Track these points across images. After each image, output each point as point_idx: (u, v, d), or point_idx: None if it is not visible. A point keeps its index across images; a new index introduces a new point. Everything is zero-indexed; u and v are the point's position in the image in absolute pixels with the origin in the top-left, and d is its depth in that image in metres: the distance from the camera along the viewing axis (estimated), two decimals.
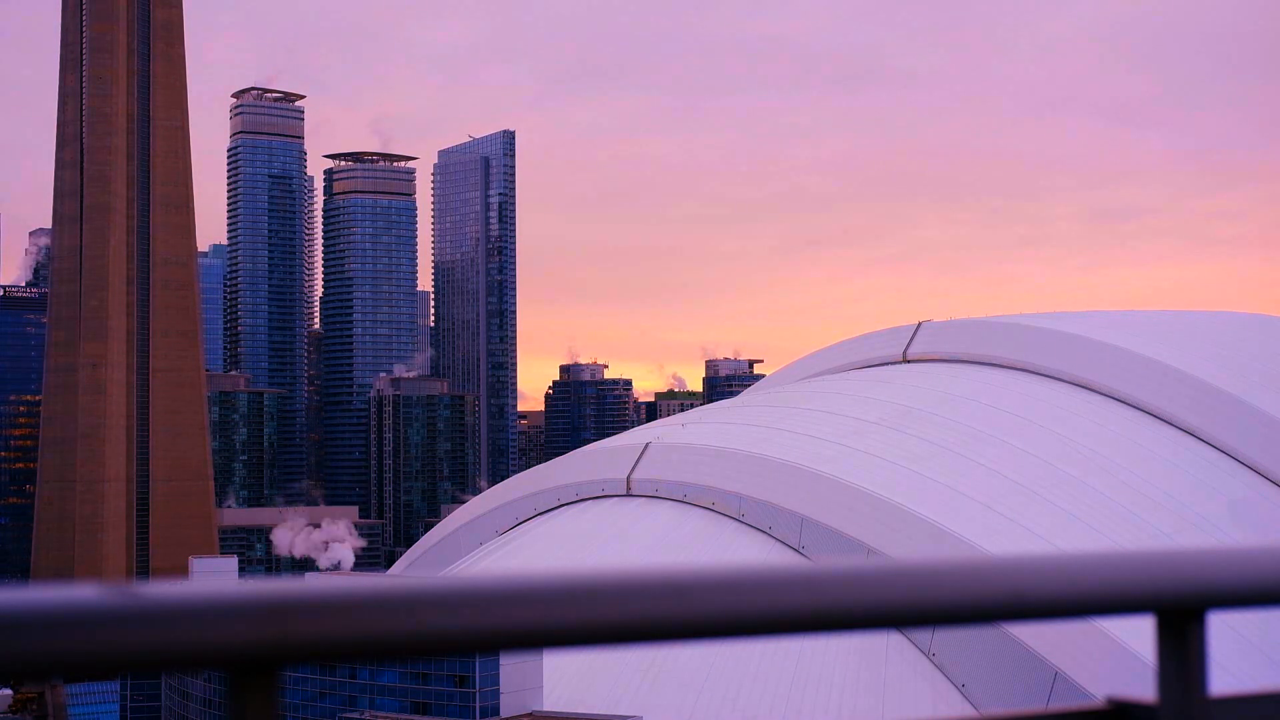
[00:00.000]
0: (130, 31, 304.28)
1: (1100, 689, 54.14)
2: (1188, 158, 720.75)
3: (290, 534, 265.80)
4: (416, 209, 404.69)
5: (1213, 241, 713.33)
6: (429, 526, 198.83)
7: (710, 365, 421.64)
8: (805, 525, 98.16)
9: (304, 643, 3.16)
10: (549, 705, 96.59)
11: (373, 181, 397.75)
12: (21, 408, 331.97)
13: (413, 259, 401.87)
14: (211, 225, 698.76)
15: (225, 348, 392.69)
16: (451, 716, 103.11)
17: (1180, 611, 4.09)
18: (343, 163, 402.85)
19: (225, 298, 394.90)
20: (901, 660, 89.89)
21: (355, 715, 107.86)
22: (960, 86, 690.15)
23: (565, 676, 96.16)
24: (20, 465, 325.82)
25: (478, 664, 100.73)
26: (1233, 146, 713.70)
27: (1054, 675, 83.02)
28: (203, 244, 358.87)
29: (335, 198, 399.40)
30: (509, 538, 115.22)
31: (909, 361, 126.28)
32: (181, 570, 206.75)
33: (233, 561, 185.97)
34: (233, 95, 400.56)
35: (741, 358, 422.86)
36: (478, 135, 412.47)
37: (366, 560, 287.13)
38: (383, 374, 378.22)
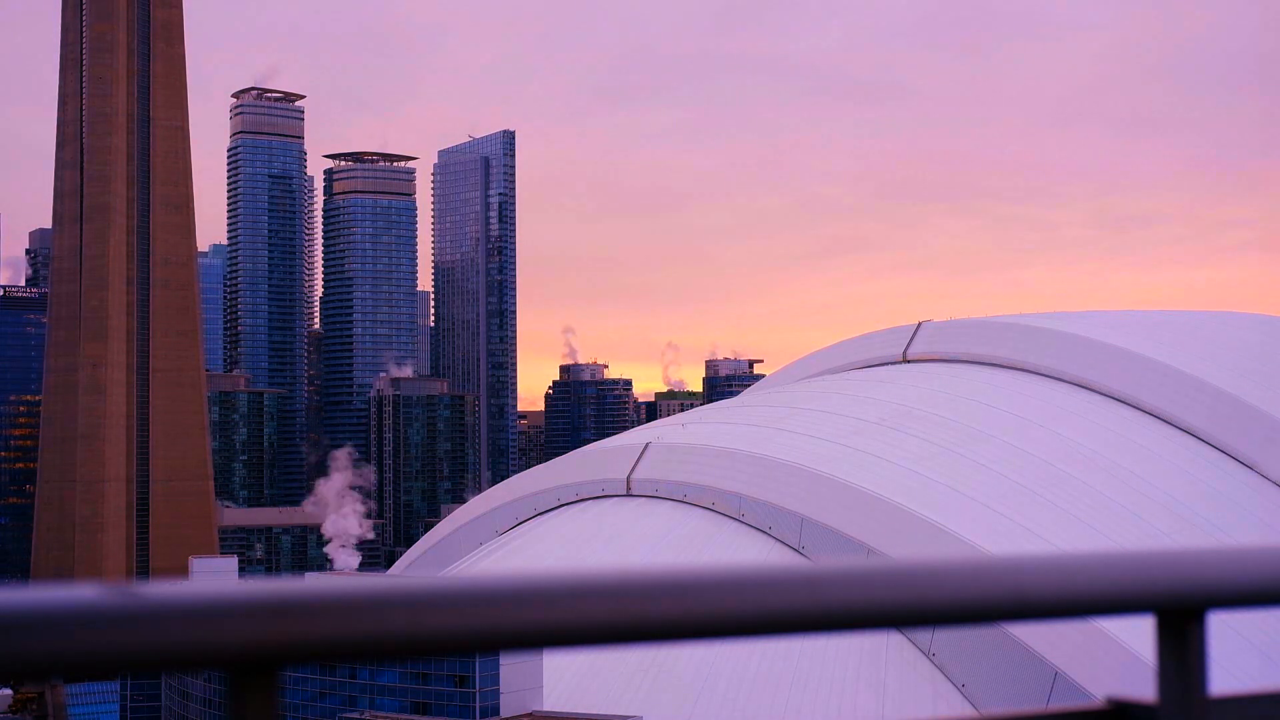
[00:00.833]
0: (130, 31, 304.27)
1: (1100, 689, 54.16)
2: (1199, 166, 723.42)
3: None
4: (416, 209, 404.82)
5: (1222, 248, 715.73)
6: (429, 526, 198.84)
7: (710, 365, 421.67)
8: (805, 525, 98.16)
9: (304, 643, 3.16)
10: (549, 705, 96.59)
11: (373, 181, 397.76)
12: (21, 408, 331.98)
13: (413, 259, 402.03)
14: (211, 225, 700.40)
15: (225, 348, 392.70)
16: (451, 716, 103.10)
17: (1180, 611, 4.09)
18: (343, 163, 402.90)
19: (225, 298, 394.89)
20: (901, 660, 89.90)
21: (355, 715, 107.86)
22: (973, 100, 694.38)
23: (565, 676, 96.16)
24: (20, 465, 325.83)
25: (478, 664, 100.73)
26: (1243, 155, 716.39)
27: (1054, 675, 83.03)
28: (203, 244, 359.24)
29: (335, 198, 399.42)
30: (509, 538, 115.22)
31: (909, 361, 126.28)
32: (181, 570, 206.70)
33: (233, 561, 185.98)
34: (233, 95, 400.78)
35: (741, 358, 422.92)
36: (478, 135, 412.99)
37: (367, 560, 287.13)
38: (383, 374, 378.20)
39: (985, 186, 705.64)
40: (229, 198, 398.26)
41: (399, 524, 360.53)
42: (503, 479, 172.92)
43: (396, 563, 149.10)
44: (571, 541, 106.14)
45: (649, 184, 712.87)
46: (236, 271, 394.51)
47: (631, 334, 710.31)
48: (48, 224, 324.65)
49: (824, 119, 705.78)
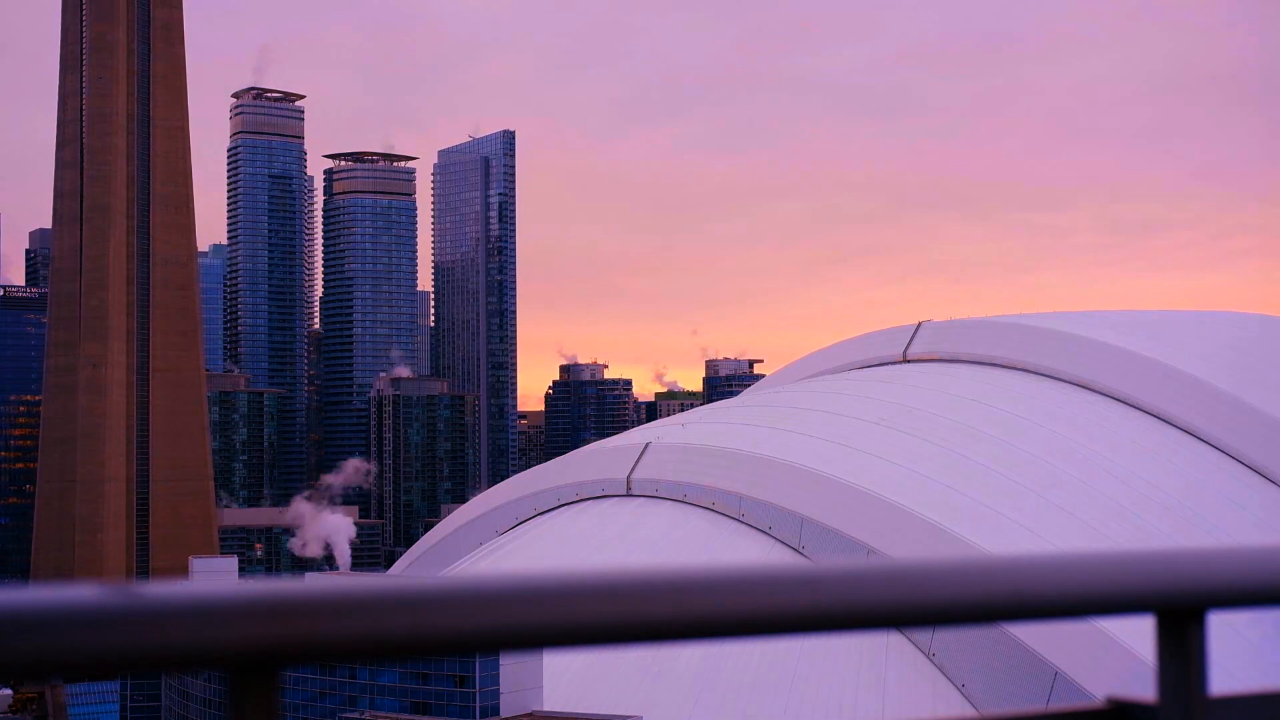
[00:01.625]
0: (130, 31, 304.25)
1: (1100, 689, 54.17)
2: (1206, 174, 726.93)
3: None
4: (416, 209, 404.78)
5: (1229, 253, 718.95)
6: (429, 526, 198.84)
7: (710, 365, 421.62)
8: (805, 525, 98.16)
9: (304, 643, 3.16)
10: (549, 705, 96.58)
11: (373, 181, 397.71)
12: (21, 408, 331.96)
13: (413, 259, 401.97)
14: (211, 225, 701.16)
15: (225, 348, 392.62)
16: (451, 716, 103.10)
17: (1180, 611, 4.09)
18: (343, 163, 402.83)
19: (225, 298, 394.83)
20: (901, 660, 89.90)
21: (355, 715, 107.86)
22: (986, 113, 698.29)
23: (565, 676, 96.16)
24: (20, 465, 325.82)
25: (478, 664, 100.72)
26: (1249, 162, 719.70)
27: (1054, 675, 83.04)
28: (203, 244, 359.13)
29: (335, 198, 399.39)
30: (509, 538, 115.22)
31: (909, 361, 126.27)
32: (181, 570, 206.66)
33: (233, 561, 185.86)
34: (233, 95, 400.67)
35: (741, 358, 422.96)
36: (478, 135, 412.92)
37: (367, 560, 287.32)
38: (383, 374, 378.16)
39: (995, 194, 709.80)
40: (229, 198, 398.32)
41: (399, 524, 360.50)
42: (503, 479, 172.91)
43: (396, 563, 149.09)
44: (571, 541, 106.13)
45: (662, 190, 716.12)
46: (236, 271, 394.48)
47: (632, 334, 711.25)
48: (48, 224, 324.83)
49: (839, 132, 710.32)
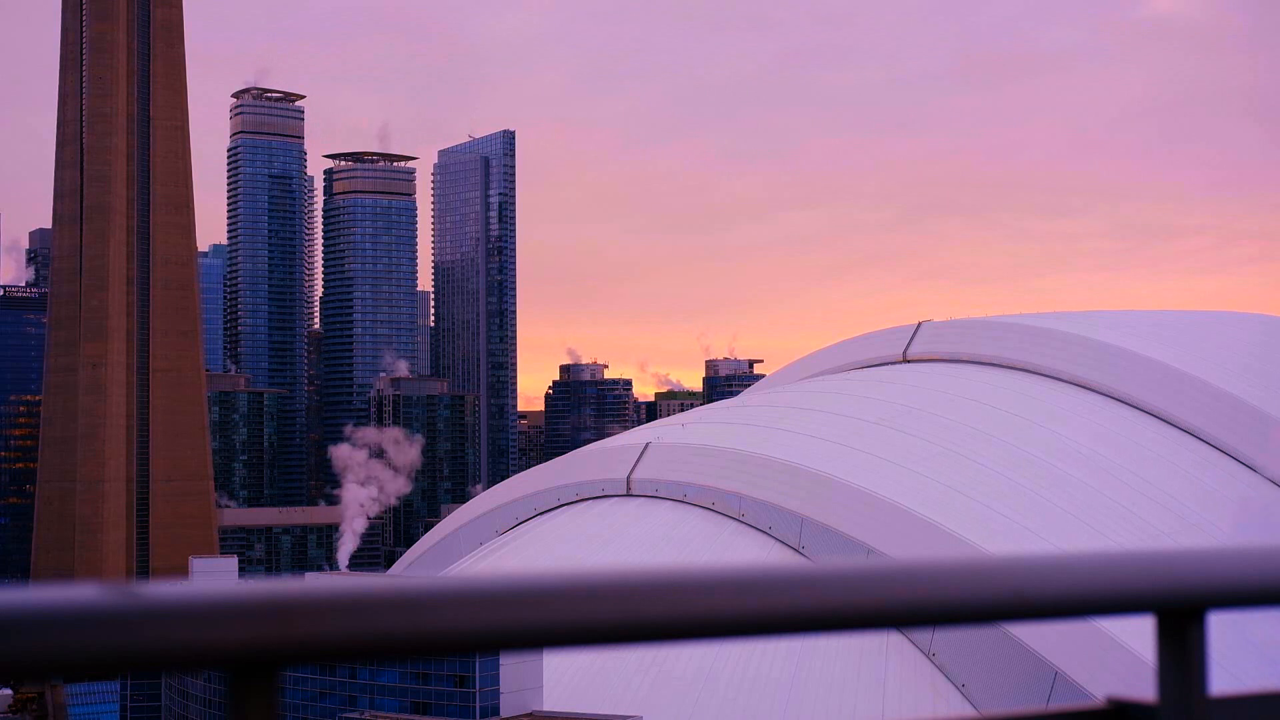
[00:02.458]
0: (130, 31, 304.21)
1: (1100, 689, 54.14)
2: (1213, 181, 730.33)
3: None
4: (416, 209, 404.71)
5: (1236, 259, 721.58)
6: (429, 526, 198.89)
7: (710, 365, 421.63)
8: (805, 525, 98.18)
9: (304, 643, 3.16)
10: (549, 705, 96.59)
11: (373, 181, 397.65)
12: (21, 408, 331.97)
13: (413, 259, 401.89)
14: (211, 225, 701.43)
15: (225, 348, 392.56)
16: (451, 716, 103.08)
17: (1180, 611, 4.09)
18: (343, 163, 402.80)
19: (225, 298, 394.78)
20: (901, 660, 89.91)
21: (355, 715, 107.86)
22: (998, 126, 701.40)
23: (565, 676, 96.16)
24: (20, 465, 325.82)
25: (478, 664, 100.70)
26: (1255, 170, 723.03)
27: (1054, 675, 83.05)
28: (203, 244, 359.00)
29: (335, 198, 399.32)
30: (509, 538, 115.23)
31: (909, 361, 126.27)
32: (181, 570, 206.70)
33: (233, 561, 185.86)
34: (233, 95, 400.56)
35: (741, 358, 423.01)
36: (478, 135, 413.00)
37: (367, 560, 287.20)
38: (383, 374, 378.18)
39: (1003, 201, 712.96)
40: (229, 198, 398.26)
41: (399, 524, 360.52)
42: (503, 479, 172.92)
43: (396, 563, 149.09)
44: (571, 541, 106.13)
45: (664, 192, 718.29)
46: (236, 271, 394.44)
47: (632, 335, 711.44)
48: (48, 224, 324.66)
49: (850, 142, 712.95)
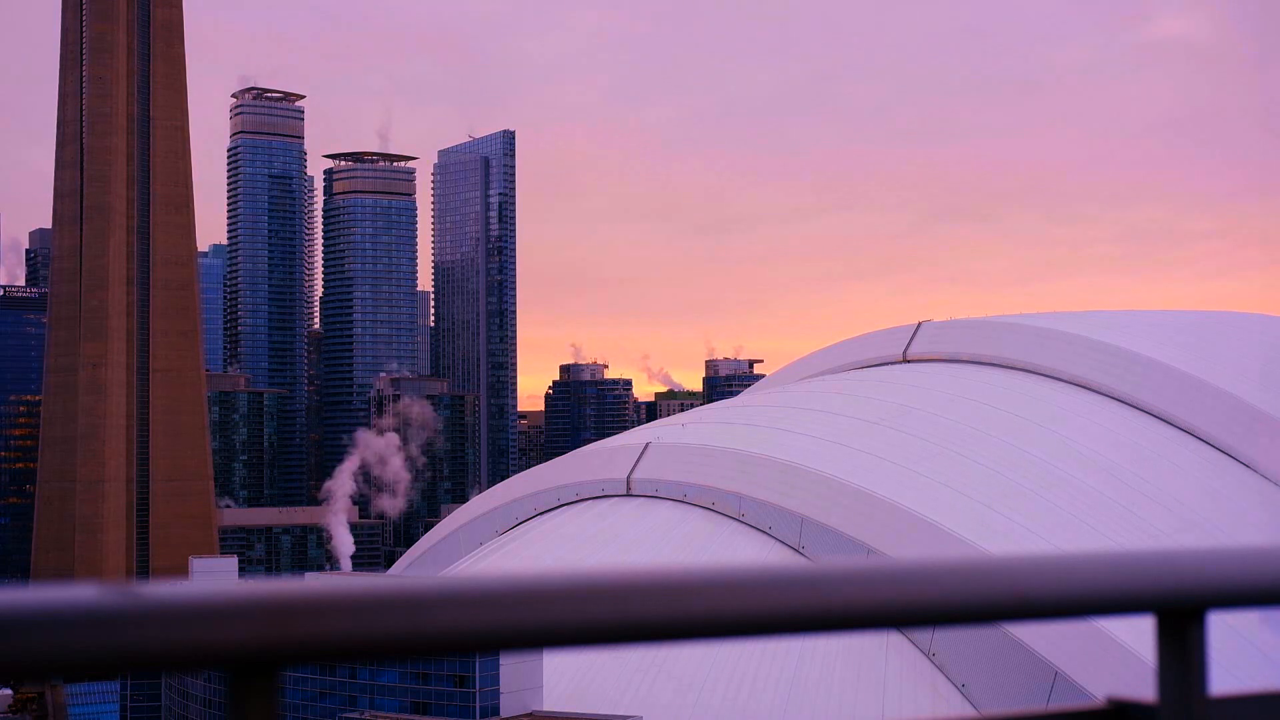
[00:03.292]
0: (130, 31, 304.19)
1: (1100, 689, 54.11)
2: (1226, 186, 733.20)
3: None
4: (416, 209, 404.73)
5: (1248, 264, 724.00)
6: (429, 526, 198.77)
7: (710, 365, 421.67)
8: (805, 525, 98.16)
9: (304, 643, 3.16)
10: (549, 705, 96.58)
11: (373, 181, 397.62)
12: (21, 408, 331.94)
13: (413, 259, 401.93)
14: (211, 225, 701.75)
15: (225, 348, 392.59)
16: (451, 716, 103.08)
17: (1180, 611, 4.09)
18: (343, 163, 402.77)
19: (225, 298, 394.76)
20: (901, 660, 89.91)
21: (355, 715, 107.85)
22: (1008, 136, 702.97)
23: (565, 676, 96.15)
24: (20, 465, 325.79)
25: (478, 664, 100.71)
26: (1266, 174, 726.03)
27: (1054, 675, 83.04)
28: (203, 244, 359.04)
29: (335, 198, 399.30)
30: (509, 538, 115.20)
31: (909, 361, 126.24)
32: (181, 570, 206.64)
33: (233, 561, 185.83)
34: (233, 95, 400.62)
35: (741, 358, 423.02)
36: (478, 135, 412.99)
37: (367, 560, 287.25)
38: (383, 374, 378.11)
39: (1015, 209, 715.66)
40: (229, 198, 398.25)
41: (399, 524, 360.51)
42: (503, 479, 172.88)
43: (396, 563, 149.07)
44: (571, 541, 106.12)
45: (665, 194, 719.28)
46: (236, 271, 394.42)
47: (632, 335, 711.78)
48: (48, 224, 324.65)
49: (866, 153, 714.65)
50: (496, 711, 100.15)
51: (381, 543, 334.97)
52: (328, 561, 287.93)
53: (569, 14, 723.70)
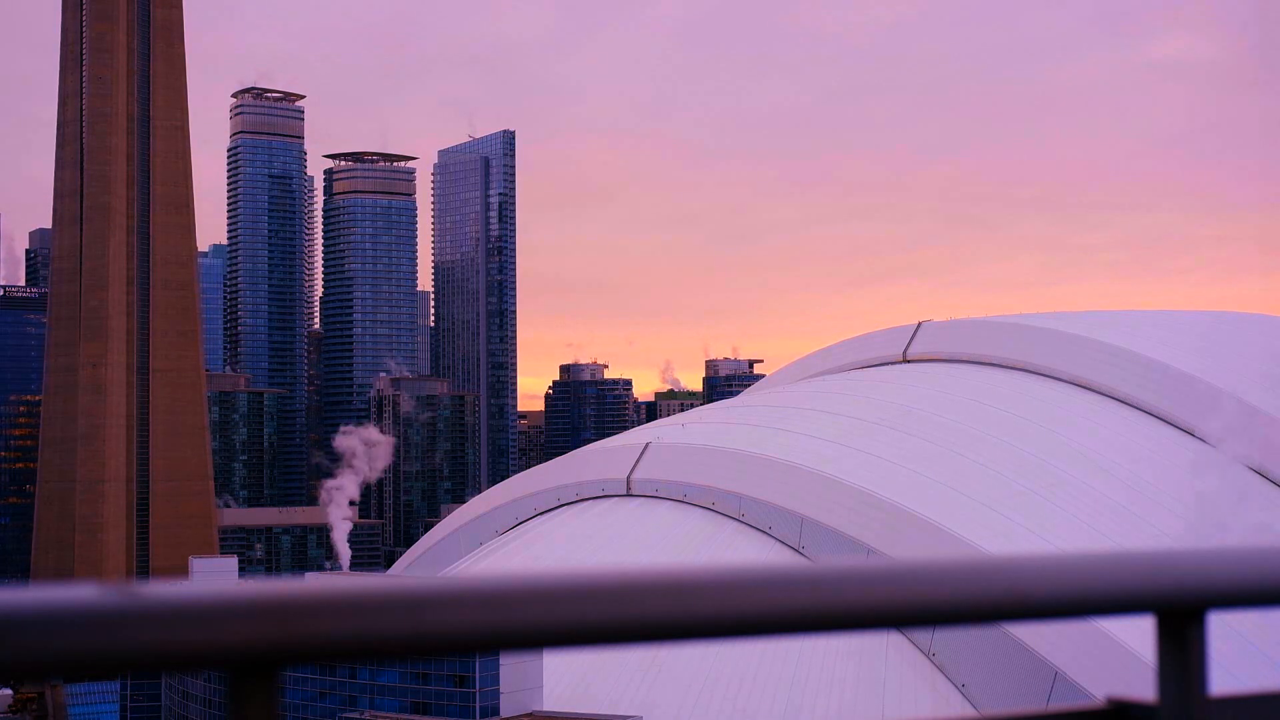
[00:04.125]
0: (130, 31, 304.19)
1: (1100, 689, 54.11)
2: (1230, 194, 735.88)
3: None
4: (416, 209, 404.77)
5: (1250, 268, 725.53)
6: (429, 526, 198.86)
7: (710, 365, 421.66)
8: (805, 525, 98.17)
9: (304, 643, 3.16)
10: (549, 705, 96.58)
11: (373, 181, 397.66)
12: (21, 408, 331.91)
13: (413, 259, 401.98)
14: (211, 225, 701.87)
15: (225, 348, 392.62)
16: (451, 716, 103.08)
17: (1180, 611, 4.09)
18: (343, 163, 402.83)
19: (225, 298, 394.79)
20: (901, 660, 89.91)
21: (355, 715, 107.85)
22: (1021, 147, 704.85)
23: (565, 676, 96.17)
24: (20, 465, 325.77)
25: (478, 664, 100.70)
26: (1266, 182, 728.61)
27: (1054, 675, 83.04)
28: (203, 244, 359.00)
29: (335, 198, 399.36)
30: (509, 538, 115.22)
31: (909, 361, 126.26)
32: (181, 570, 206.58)
33: (233, 561, 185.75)
34: (233, 95, 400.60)
35: (741, 358, 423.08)
36: (478, 135, 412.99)
37: (367, 560, 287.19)
38: (383, 374, 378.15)
39: (1022, 217, 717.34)
40: (229, 198, 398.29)
41: (399, 524, 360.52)
42: (503, 479, 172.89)
43: (396, 563, 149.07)
44: (571, 541, 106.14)
45: (668, 194, 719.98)
46: (236, 271, 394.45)
47: (631, 334, 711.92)
48: (48, 224, 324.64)
49: (877, 163, 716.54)
50: (496, 711, 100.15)
51: (381, 543, 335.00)
52: (328, 561, 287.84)
53: (567, 12, 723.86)
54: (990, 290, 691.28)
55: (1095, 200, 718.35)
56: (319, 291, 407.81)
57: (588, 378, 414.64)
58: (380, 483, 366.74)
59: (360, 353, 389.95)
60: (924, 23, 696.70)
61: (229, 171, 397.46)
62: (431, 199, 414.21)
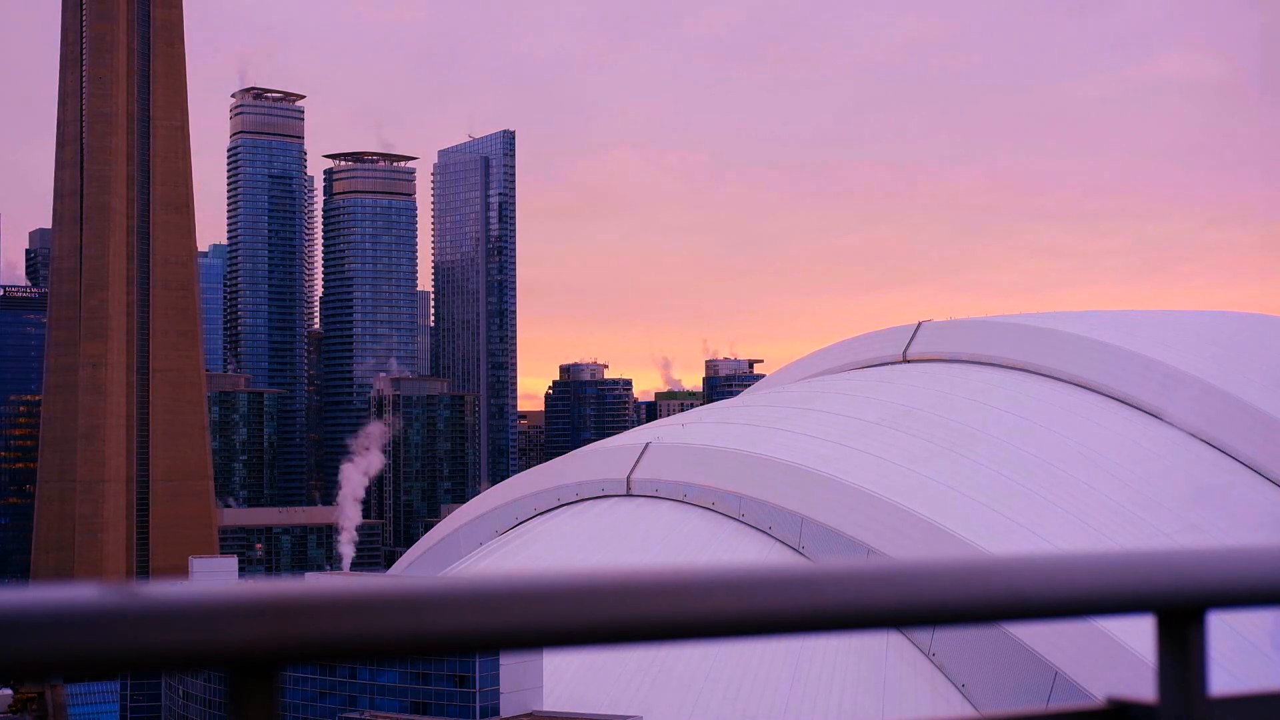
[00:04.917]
0: (130, 31, 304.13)
1: (1100, 689, 54.11)
2: (1233, 201, 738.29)
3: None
4: (416, 209, 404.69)
5: (1251, 272, 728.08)
6: (429, 526, 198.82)
7: (710, 365, 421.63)
8: (805, 525, 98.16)
9: (304, 643, 3.16)
10: (549, 705, 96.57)
11: (373, 181, 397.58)
12: (21, 408, 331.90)
13: (413, 259, 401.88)
14: (211, 225, 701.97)
15: (225, 348, 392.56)
16: (451, 716, 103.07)
17: (1180, 611, 4.09)
18: (343, 163, 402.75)
19: (225, 298, 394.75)
20: (901, 660, 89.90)
21: (355, 715, 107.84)
22: (1030, 158, 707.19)
23: (565, 676, 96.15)
24: (20, 465, 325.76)
25: (478, 664, 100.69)
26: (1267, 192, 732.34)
27: (1054, 675, 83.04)
28: (203, 244, 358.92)
29: (335, 198, 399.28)
30: (509, 538, 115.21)
31: (909, 361, 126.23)
32: (181, 570, 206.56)
33: (233, 561, 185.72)
34: (233, 95, 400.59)
35: (741, 358, 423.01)
36: (478, 135, 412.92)
37: (367, 560, 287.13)
38: (383, 374, 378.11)
39: (1028, 224, 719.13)
40: (229, 198, 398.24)
41: (399, 524, 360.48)
42: (503, 479, 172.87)
43: (396, 563, 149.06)
44: (571, 541, 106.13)
45: (668, 195, 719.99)
46: (236, 271, 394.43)
47: (633, 334, 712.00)
48: (48, 224, 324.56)
49: (885, 172, 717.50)
50: (496, 711, 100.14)
51: (381, 543, 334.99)
52: (328, 561, 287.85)
53: (568, 13, 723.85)
54: (996, 295, 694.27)
55: (1102, 209, 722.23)
56: (319, 291, 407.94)
57: (588, 378, 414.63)
58: (380, 483, 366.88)
59: (360, 353, 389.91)
60: (938, 41, 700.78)
61: (229, 171, 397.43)
62: (431, 199, 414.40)
